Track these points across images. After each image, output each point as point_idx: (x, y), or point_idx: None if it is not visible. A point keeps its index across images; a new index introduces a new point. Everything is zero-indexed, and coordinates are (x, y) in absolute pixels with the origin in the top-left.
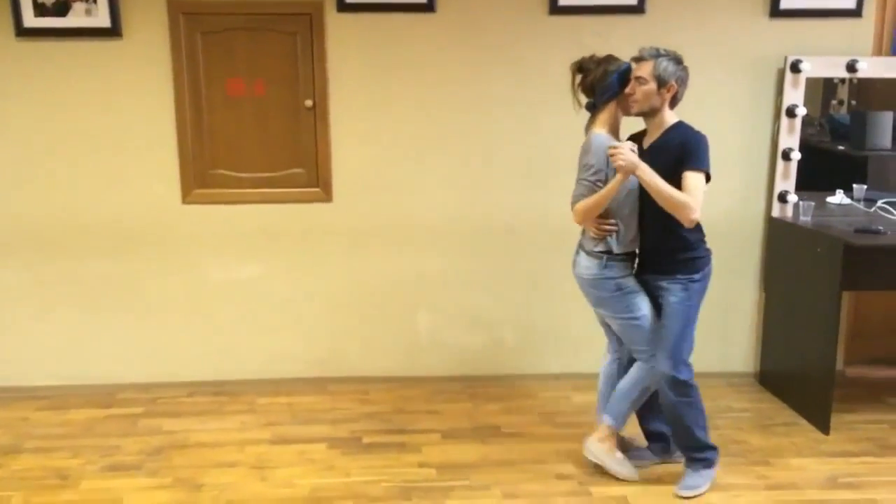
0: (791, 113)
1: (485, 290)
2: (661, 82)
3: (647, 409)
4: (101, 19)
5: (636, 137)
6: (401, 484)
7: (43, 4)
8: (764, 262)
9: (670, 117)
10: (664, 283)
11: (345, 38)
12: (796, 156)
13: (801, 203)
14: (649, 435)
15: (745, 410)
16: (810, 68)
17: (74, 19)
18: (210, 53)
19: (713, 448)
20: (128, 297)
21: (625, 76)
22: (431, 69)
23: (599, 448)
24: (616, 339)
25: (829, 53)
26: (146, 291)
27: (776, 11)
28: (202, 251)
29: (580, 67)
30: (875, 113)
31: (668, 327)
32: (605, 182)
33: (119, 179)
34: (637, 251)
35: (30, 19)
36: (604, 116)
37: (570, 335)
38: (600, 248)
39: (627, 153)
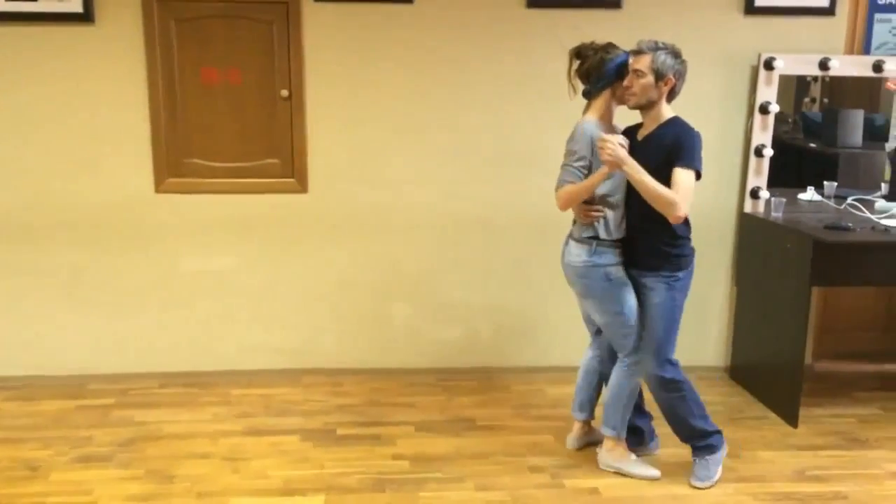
0: (764, 110)
1: (460, 283)
2: (659, 75)
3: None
4: (73, 4)
5: (631, 130)
6: (375, 476)
7: None
8: (736, 258)
9: (667, 111)
10: (648, 282)
11: (322, 27)
12: (769, 152)
13: (772, 199)
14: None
15: (716, 404)
16: (783, 66)
17: (45, 4)
18: (184, 41)
19: (714, 433)
20: (99, 287)
21: (622, 67)
22: (408, 60)
23: (611, 457)
24: (598, 336)
25: (802, 51)
26: (118, 281)
27: (751, 8)
28: (175, 241)
29: (578, 53)
30: (846, 111)
31: (653, 328)
32: (590, 170)
33: (91, 168)
34: (623, 240)
35: (0, 3)
36: (598, 104)
37: (545, 329)
38: (588, 233)
39: (616, 148)
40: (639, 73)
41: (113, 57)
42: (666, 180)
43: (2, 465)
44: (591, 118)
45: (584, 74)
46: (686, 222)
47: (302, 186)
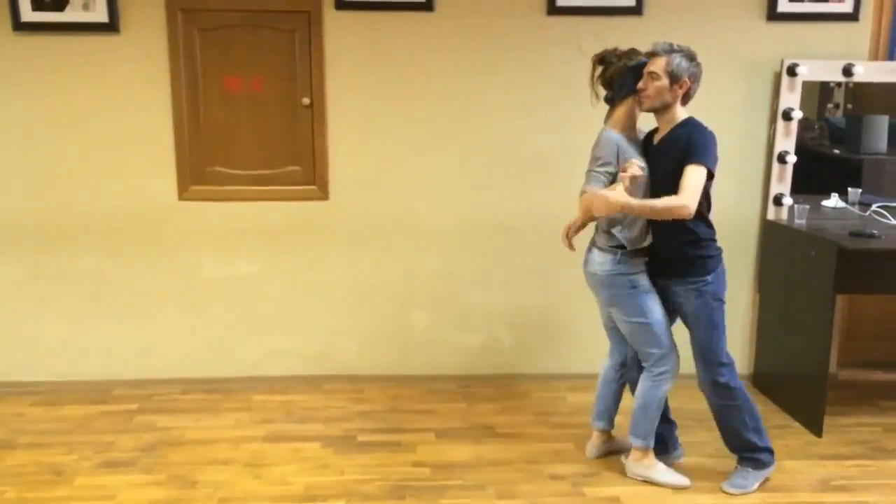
0: (787, 116)
1: (481, 289)
2: (674, 78)
3: None
4: (99, 14)
5: (649, 134)
6: (395, 483)
7: None
8: (758, 265)
9: (681, 113)
10: (678, 290)
11: (343, 36)
12: (792, 159)
13: (795, 206)
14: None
15: None
16: (807, 72)
17: (72, 14)
18: (208, 50)
19: (765, 450)
20: (123, 294)
21: (640, 71)
22: (429, 68)
23: (639, 466)
24: (618, 344)
25: (825, 57)
26: (141, 287)
27: (773, 15)
28: (198, 248)
29: (602, 59)
30: (871, 117)
31: (695, 336)
32: (614, 176)
33: (115, 175)
34: (647, 248)
35: (27, 13)
36: (621, 111)
37: (566, 335)
38: (613, 242)
39: (606, 206)
40: (654, 76)
41: (137, 66)
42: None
43: (28, 469)
44: (613, 130)
45: (606, 81)
46: (708, 224)
47: (323, 193)
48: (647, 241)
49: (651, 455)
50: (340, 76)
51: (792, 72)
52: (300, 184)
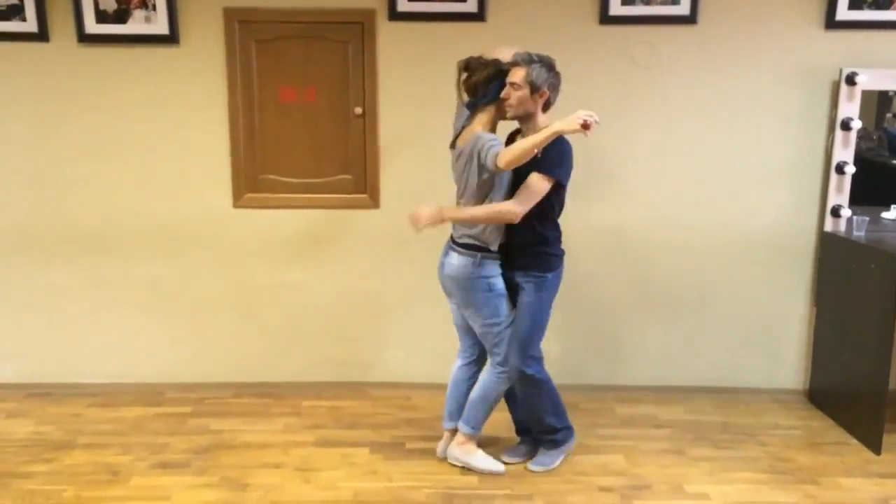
0: (846, 126)
1: None
2: (534, 88)
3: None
4: (160, 26)
5: (510, 137)
6: (443, 491)
7: (104, 12)
8: (815, 278)
9: (543, 122)
10: (520, 281)
11: (395, 46)
12: (850, 169)
13: (854, 218)
14: (518, 428)
15: (794, 428)
16: (866, 81)
17: (134, 26)
18: (263, 61)
19: (563, 429)
20: (177, 299)
21: (502, 80)
22: None
23: (460, 451)
24: (469, 345)
25: (885, 66)
26: (195, 293)
27: (832, 23)
28: (251, 255)
29: (467, 66)
30: None
31: (519, 325)
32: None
33: (173, 183)
34: (503, 249)
35: (91, 26)
36: (483, 118)
37: (614, 346)
38: (470, 241)
39: (424, 217)
40: (515, 86)
41: (196, 76)
42: None
43: (85, 469)
44: (480, 131)
45: (470, 88)
46: (556, 227)
47: (374, 202)
48: (502, 241)
49: (473, 442)
50: (392, 86)
51: (851, 80)
52: (351, 192)
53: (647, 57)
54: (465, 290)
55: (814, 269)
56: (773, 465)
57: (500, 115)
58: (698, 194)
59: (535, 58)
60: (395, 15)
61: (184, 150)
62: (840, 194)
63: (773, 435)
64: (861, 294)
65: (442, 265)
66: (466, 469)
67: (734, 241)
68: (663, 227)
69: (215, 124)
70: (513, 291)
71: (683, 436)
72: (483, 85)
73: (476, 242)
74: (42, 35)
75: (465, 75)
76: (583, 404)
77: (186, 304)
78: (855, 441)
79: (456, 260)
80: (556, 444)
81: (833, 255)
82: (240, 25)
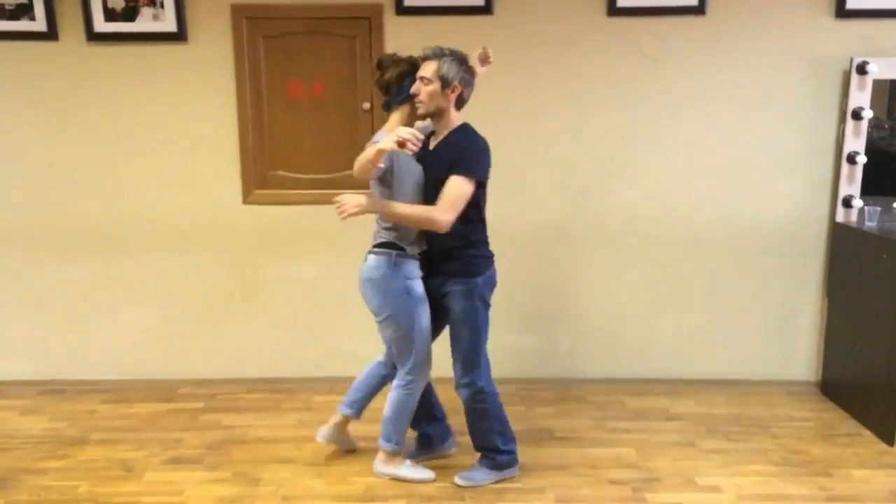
0: (857, 115)
1: (539, 293)
2: (445, 83)
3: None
4: (168, 24)
5: (428, 137)
6: (455, 484)
7: (113, 10)
8: (827, 268)
9: (456, 119)
10: (447, 289)
11: (403, 40)
12: (862, 159)
13: (866, 208)
14: (417, 435)
15: (807, 420)
16: (877, 70)
17: (142, 24)
18: (271, 57)
19: (506, 453)
20: (189, 295)
21: (415, 77)
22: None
23: (387, 467)
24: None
25: None
26: (206, 289)
27: (842, 12)
28: (261, 250)
29: (379, 64)
30: None
31: (458, 339)
32: (390, 176)
33: (183, 180)
34: (424, 253)
35: (100, 24)
36: (398, 116)
37: (626, 339)
38: (386, 238)
39: (350, 203)
40: (425, 80)
41: (204, 73)
42: None
43: (99, 464)
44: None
45: (383, 86)
46: (480, 227)
47: None
48: (422, 246)
49: (398, 456)
50: None
51: (862, 70)
52: (360, 187)
53: (656, 48)
54: (381, 294)
55: (825, 259)
56: (786, 457)
57: (416, 113)
58: (708, 185)
59: (447, 52)
60: (402, 9)
61: (193, 147)
62: (851, 184)
63: (786, 427)
64: (873, 284)
65: (361, 270)
66: (395, 479)
67: (745, 232)
68: (673, 219)
69: (224, 121)
70: (437, 302)
71: (695, 428)
72: (396, 83)
73: (392, 240)
74: (51, 34)
75: (377, 74)
76: (594, 397)
77: (198, 300)
78: (868, 432)
79: (372, 261)
80: (495, 465)
81: (845, 245)
82: (247, 22)
